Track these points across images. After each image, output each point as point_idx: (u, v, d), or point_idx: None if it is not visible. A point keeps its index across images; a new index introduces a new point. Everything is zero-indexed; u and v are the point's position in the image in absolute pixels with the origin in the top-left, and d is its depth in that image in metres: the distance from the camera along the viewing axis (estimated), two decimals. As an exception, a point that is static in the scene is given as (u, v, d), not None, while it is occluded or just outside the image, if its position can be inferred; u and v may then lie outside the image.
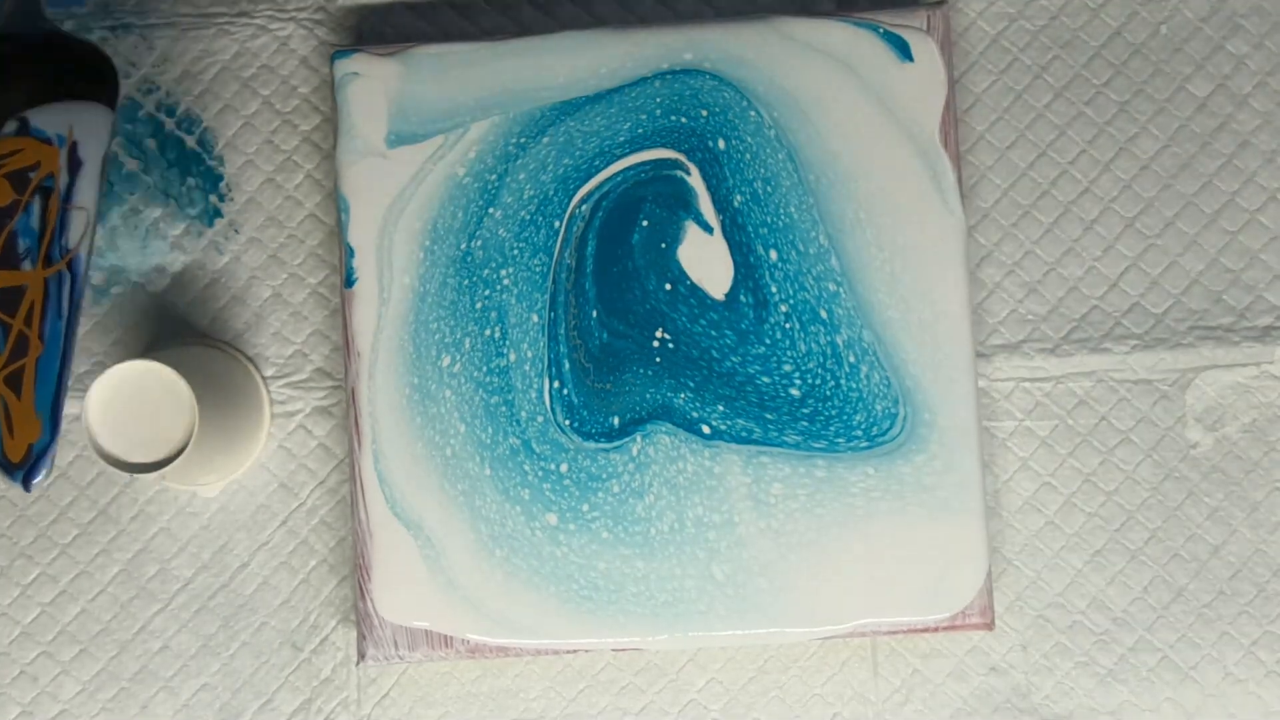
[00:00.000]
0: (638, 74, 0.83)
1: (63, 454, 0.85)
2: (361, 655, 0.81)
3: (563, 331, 0.82)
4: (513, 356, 0.82)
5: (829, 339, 0.82)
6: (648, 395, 0.82)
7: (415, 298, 0.82)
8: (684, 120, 0.83)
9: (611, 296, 0.82)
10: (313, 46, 0.86)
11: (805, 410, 0.81)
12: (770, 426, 0.81)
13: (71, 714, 0.84)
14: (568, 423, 0.82)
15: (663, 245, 0.83)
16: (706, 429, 0.81)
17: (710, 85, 0.83)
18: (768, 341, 0.82)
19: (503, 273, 0.82)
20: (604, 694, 0.84)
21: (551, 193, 0.83)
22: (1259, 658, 0.83)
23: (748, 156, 0.83)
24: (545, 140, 0.83)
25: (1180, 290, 0.85)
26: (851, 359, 0.82)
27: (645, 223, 0.83)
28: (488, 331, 0.82)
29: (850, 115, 0.82)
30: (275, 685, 0.84)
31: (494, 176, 0.83)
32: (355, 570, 0.81)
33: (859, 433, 0.81)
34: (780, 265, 0.82)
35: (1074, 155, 0.85)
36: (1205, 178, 0.85)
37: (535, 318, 0.82)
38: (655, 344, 0.82)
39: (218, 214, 0.86)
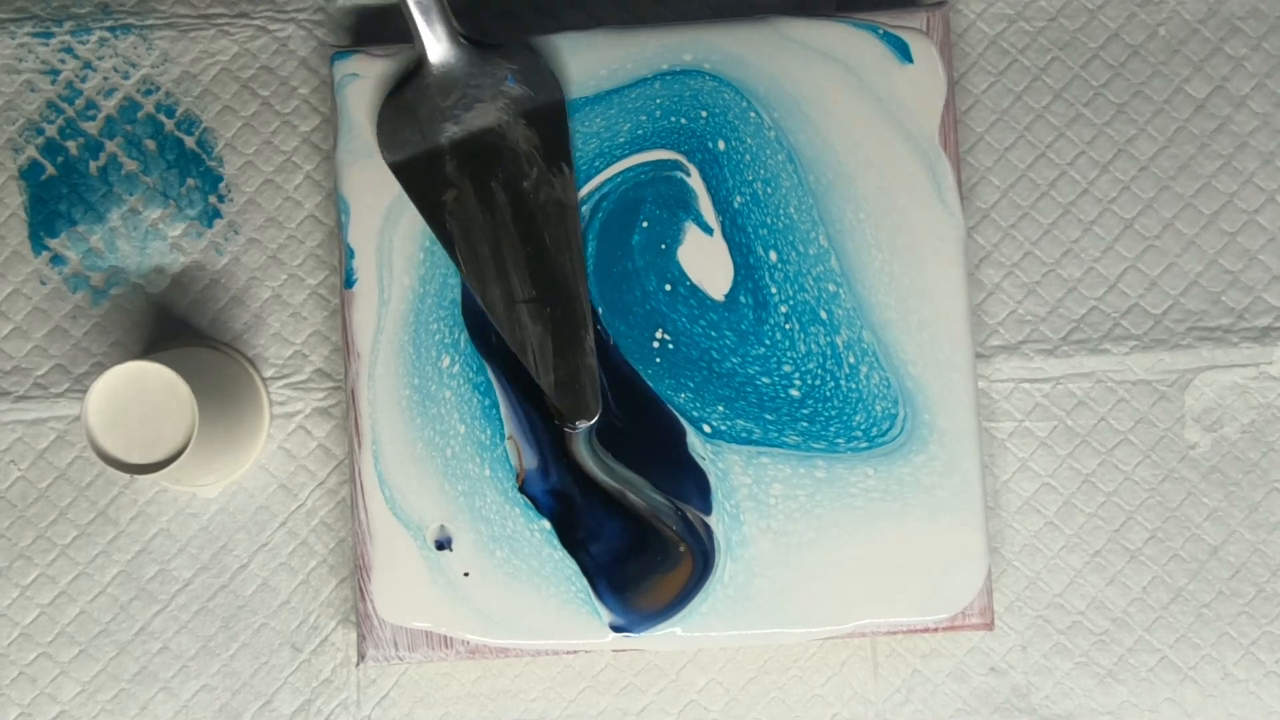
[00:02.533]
0: (637, 75, 0.83)
1: (62, 455, 0.85)
2: (361, 656, 0.81)
3: (562, 332, 0.82)
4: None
5: (829, 340, 0.82)
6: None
7: (415, 298, 0.82)
8: (684, 121, 0.83)
9: (611, 297, 0.82)
10: (312, 47, 0.86)
11: (805, 411, 0.81)
12: (770, 427, 0.81)
13: (71, 715, 0.84)
14: (568, 423, 0.82)
15: (663, 246, 0.83)
16: (707, 429, 0.81)
17: (710, 86, 0.83)
18: (767, 342, 0.82)
19: (503, 273, 0.82)
20: (604, 694, 0.84)
21: (551, 193, 0.83)
22: (1258, 658, 0.84)
23: (747, 158, 0.83)
24: (545, 141, 0.83)
25: (1179, 291, 0.85)
26: (851, 360, 0.82)
27: (645, 224, 0.83)
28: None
29: (850, 116, 0.82)
30: (275, 686, 0.84)
31: (494, 177, 0.83)
32: (355, 571, 0.81)
33: (859, 433, 0.81)
34: (780, 266, 0.82)
35: (1073, 156, 0.85)
36: (1204, 179, 0.85)
37: (535, 318, 0.82)
38: (655, 344, 0.82)
39: (217, 215, 0.86)
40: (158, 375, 0.77)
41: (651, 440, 0.81)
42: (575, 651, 0.81)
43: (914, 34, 0.82)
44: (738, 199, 0.83)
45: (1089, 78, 0.86)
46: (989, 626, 0.80)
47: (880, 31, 0.83)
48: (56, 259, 0.86)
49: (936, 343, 0.81)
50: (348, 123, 0.83)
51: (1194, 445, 0.84)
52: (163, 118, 0.86)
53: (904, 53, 0.83)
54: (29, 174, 0.86)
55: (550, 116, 0.79)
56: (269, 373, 0.86)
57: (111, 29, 0.86)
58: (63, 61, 0.86)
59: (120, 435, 0.77)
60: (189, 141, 0.86)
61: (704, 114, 0.83)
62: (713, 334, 0.82)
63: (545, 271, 0.79)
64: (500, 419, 0.81)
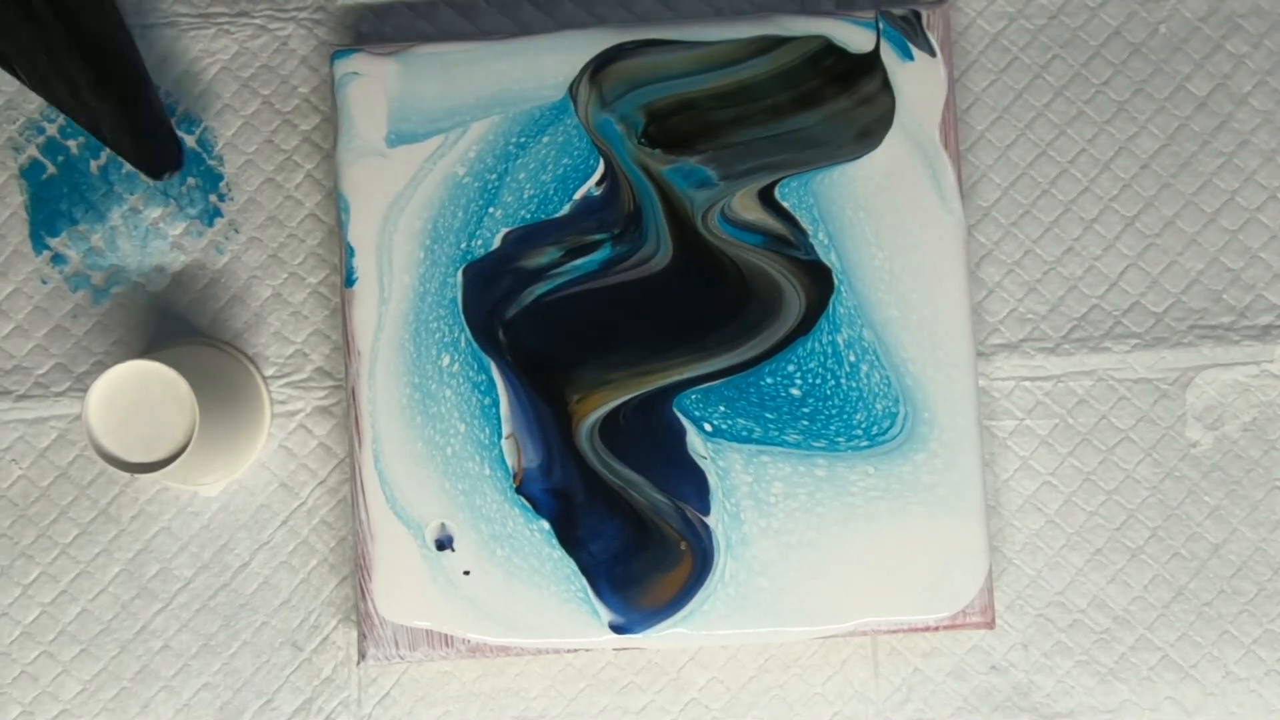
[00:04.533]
0: (638, 73, 0.83)
1: (63, 454, 0.85)
2: (362, 655, 0.81)
3: (563, 331, 0.82)
4: (513, 356, 0.82)
5: (829, 338, 0.82)
6: (648, 394, 0.82)
7: (415, 297, 0.82)
8: (684, 119, 0.83)
9: (612, 296, 0.82)
10: (312, 46, 0.86)
11: (806, 409, 0.81)
12: (771, 426, 0.81)
13: (72, 714, 0.84)
14: (568, 422, 0.82)
15: (663, 244, 0.83)
16: (708, 427, 0.81)
17: (710, 84, 0.83)
18: (768, 341, 0.82)
19: (503, 272, 0.83)
20: (605, 693, 0.84)
21: (551, 192, 0.83)
22: (1259, 656, 0.84)
23: (748, 156, 0.83)
24: (545, 140, 0.83)
25: (1180, 289, 0.85)
26: (852, 358, 0.82)
27: (645, 222, 0.83)
28: (488, 331, 0.82)
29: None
30: (276, 685, 0.84)
31: (494, 176, 0.83)
32: (356, 570, 0.81)
33: (859, 432, 0.81)
34: (780, 264, 0.82)
35: (1074, 154, 0.85)
36: (1205, 177, 0.85)
37: (535, 317, 0.82)
38: (655, 343, 0.82)
39: (218, 214, 0.86)
40: (158, 374, 0.77)
41: (652, 439, 0.81)
42: (576, 650, 0.81)
43: (914, 32, 0.82)
44: (738, 197, 0.83)
45: (1090, 75, 0.86)
46: (990, 625, 0.80)
47: (880, 29, 0.82)
48: (57, 258, 0.86)
49: (937, 341, 0.81)
50: (348, 121, 0.83)
51: (1195, 443, 0.84)
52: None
53: (904, 51, 0.82)
54: (30, 173, 0.86)
55: None
56: (270, 371, 0.86)
57: (112, 28, 0.86)
58: (63, 60, 0.86)
59: (121, 434, 0.77)
60: (189, 140, 0.86)
61: (704, 112, 0.83)
62: (713, 332, 0.82)
63: (98, 54, 0.79)
64: (499, 418, 0.81)
